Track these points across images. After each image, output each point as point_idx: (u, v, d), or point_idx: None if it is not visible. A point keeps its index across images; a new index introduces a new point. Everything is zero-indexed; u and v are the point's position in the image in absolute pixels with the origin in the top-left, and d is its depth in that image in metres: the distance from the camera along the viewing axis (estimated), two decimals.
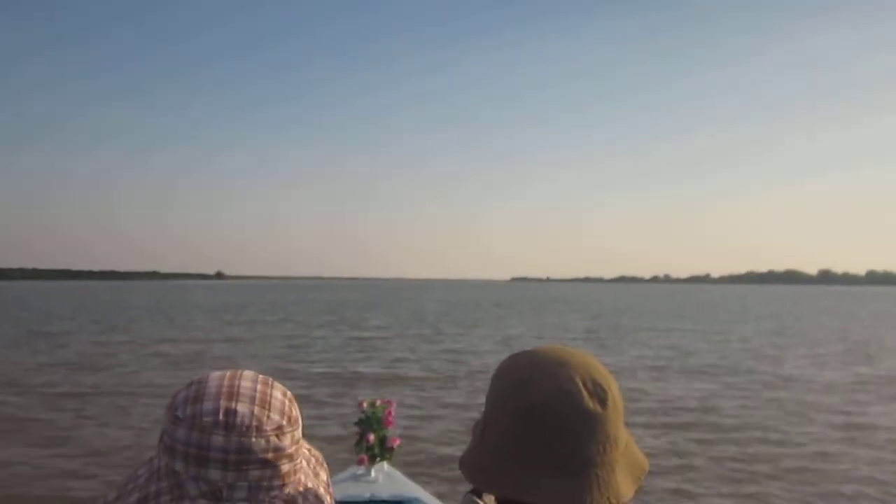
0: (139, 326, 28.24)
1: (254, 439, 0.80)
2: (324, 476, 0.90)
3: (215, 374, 0.86)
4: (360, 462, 4.58)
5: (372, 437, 4.54)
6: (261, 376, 0.88)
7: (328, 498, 0.87)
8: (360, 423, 4.63)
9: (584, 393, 0.84)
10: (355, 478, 4.59)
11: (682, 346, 21.39)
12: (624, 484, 0.84)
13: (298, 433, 0.86)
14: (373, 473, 4.59)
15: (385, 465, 4.70)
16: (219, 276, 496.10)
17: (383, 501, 4.38)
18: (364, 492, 4.39)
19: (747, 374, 15.10)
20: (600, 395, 0.85)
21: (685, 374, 15.08)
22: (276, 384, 0.88)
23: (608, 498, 0.82)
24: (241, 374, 0.86)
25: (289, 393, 0.89)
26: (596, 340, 23.20)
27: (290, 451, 0.83)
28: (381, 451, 4.61)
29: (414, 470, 7.03)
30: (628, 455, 0.87)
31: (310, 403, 11.06)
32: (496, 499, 0.92)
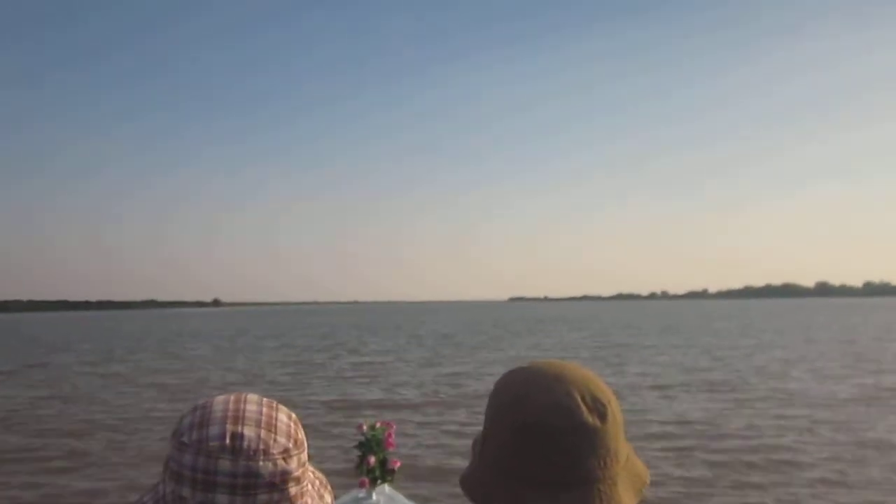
0: (137, 357, 28.11)
1: (261, 463, 0.80)
2: (328, 499, 0.90)
3: (220, 398, 0.86)
4: (362, 485, 4.56)
5: (373, 459, 4.52)
6: (265, 399, 0.88)
7: None
8: (360, 445, 4.61)
9: (583, 407, 0.83)
10: (357, 501, 4.57)
11: (685, 362, 21.29)
12: (626, 497, 0.82)
13: (304, 456, 0.86)
14: (374, 496, 4.56)
15: (386, 487, 4.67)
16: (216, 303, 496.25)
17: None
18: None
19: (753, 390, 14.97)
20: (599, 410, 0.84)
21: (691, 391, 14.97)
22: (281, 407, 0.89)
23: None
24: (245, 398, 0.87)
25: (293, 415, 0.89)
26: (599, 359, 23.10)
27: (296, 473, 0.83)
28: (382, 473, 4.59)
29: (416, 492, 6.95)
30: (629, 468, 0.86)
31: (310, 428, 10.97)
32: None
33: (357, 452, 4.61)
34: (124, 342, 39.19)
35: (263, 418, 0.84)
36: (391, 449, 4.62)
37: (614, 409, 0.86)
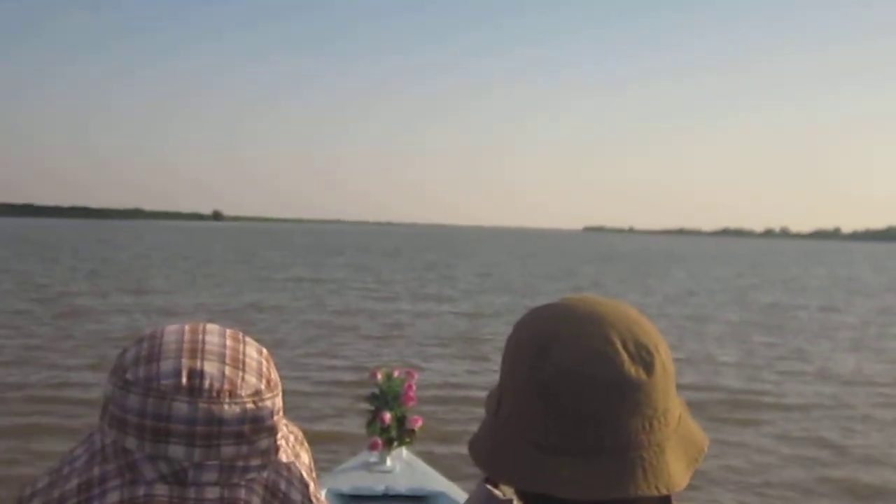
0: (105, 284, 28.99)
1: (226, 406, 0.79)
2: (305, 458, 0.90)
3: (172, 328, 0.85)
4: (374, 447, 4.65)
5: (388, 416, 4.60)
6: (229, 330, 0.87)
7: (313, 485, 0.87)
8: (373, 398, 4.70)
9: (624, 355, 0.82)
10: (367, 466, 4.69)
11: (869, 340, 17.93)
12: (677, 468, 0.81)
13: (279, 401, 0.85)
14: (388, 461, 4.69)
15: (404, 450, 4.80)
16: (216, 216, 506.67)
17: (401, 496, 4.50)
18: (378, 483, 4.51)
19: None
20: (645, 358, 0.82)
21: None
22: (250, 340, 0.88)
23: (657, 486, 0.79)
24: (204, 328, 0.86)
25: (265, 351, 0.88)
26: (753, 326, 22.09)
27: (269, 423, 0.82)
28: (400, 433, 4.69)
29: (440, 458, 7.11)
30: (682, 432, 0.85)
31: (304, 375, 11.30)
32: (516, 490, 0.89)
33: (369, 406, 4.71)
34: (88, 263, 40.37)
35: (228, 352, 0.83)
36: (412, 404, 4.71)
37: (664, 357, 0.84)
